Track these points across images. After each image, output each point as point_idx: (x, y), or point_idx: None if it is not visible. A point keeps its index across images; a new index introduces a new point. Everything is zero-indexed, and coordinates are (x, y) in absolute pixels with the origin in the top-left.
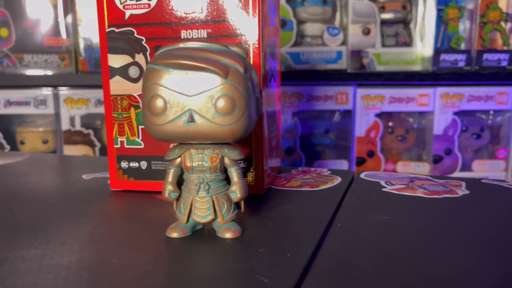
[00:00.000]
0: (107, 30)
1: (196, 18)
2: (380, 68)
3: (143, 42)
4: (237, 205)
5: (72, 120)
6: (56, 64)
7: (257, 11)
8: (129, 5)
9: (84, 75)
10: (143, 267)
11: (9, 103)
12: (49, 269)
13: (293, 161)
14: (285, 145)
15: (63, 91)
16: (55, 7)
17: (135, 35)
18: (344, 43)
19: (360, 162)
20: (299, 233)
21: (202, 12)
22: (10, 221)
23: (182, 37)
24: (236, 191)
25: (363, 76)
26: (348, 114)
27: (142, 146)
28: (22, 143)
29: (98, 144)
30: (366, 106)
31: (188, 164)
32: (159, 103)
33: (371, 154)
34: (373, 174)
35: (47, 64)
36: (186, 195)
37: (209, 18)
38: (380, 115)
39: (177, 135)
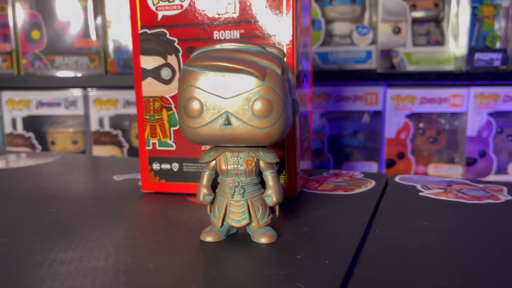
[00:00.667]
0: (139, 32)
1: (229, 19)
2: (411, 67)
3: (176, 44)
4: (272, 209)
5: (101, 121)
6: (86, 66)
7: (290, 11)
8: (161, 6)
9: (113, 76)
10: (179, 271)
11: (40, 104)
12: (86, 272)
13: (320, 163)
14: (313, 146)
15: (93, 92)
16: (85, 9)
17: (168, 36)
18: (373, 42)
19: (390, 164)
20: (336, 238)
21: (235, 13)
22: (46, 222)
23: (215, 38)
24: (272, 195)
25: (393, 76)
26: (377, 115)
27: (174, 148)
28: (53, 143)
29: (126, 145)
30: (396, 106)
31: (223, 167)
32: (195, 105)
33: (401, 156)
34: (408, 178)
35: (77, 65)
36: (220, 198)
37: (242, 18)
38: (410, 116)
39: (213, 138)
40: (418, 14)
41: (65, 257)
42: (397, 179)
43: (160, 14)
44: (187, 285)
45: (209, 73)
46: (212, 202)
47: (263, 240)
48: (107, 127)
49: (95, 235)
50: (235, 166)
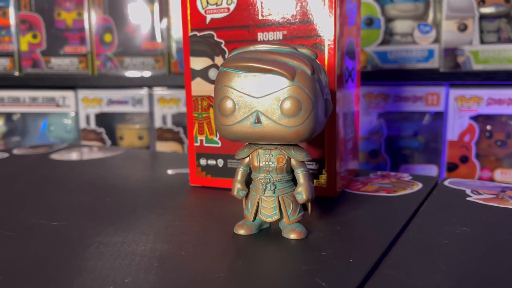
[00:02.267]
0: (190, 34)
1: (272, 20)
2: (477, 66)
3: (222, 45)
4: (304, 206)
5: (164, 118)
6: (152, 66)
7: (333, 11)
8: (210, 9)
9: (175, 76)
10: (208, 260)
11: (111, 102)
12: (125, 255)
13: (377, 164)
14: (369, 147)
15: (157, 91)
16: (152, 13)
17: (215, 38)
18: (436, 40)
19: (452, 168)
20: (366, 239)
21: (278, 14)
22: (101, 209)
23: (259, 39)
24: (302, 193)
25: (457, 75)
26: (439, 116)
27: (219, 145)
28: (121, 138)
29: (186, 142)
30: (460, 108)
31: (256, 164)
32: (228, 104)
33: (465, 159)
34: (460, 182)
35: (144, 66)
36: (253, 193)
37: (285, 19)
38: (476, 117)
39: (244, 135)
40: (487, 10)
41: (110, 241)
42: (446, 182)
43: (209, 17)
44: (212, 274)
45: (241, 74)
46: (247, 197)
47: (293, 236)
48: (169, 124)
49: (140, 223)
50: (267, 163)
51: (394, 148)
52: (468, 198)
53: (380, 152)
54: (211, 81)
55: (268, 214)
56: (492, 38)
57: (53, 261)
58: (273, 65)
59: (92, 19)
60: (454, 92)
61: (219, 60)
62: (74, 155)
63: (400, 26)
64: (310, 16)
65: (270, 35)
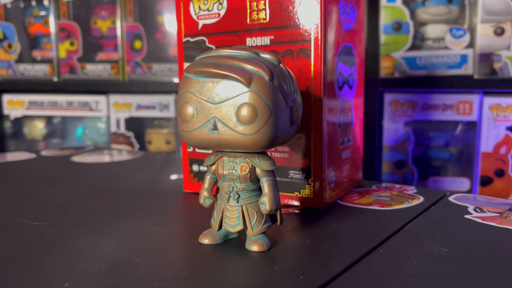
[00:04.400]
0: (183, 40)
1: (259, 26)
2: None
3: None
4: (273, 217)
5: None
6: (177, 73)
7: (319, 16)
8: (202, 15)
9: None
10: (156, 269)
11: (140, 106)
12: (81, 259)
13: (403, 176)
14: (395, 158)
15: None
16: None
17: (207, 44)
18: (470, 45)
19: (486, 181)
20: (331, 255)
21: (265, 19)
22: (85, 212)
23: (248, 45)
24: (266, 203)
25: (492, 82)
26: (471, 126)
27: (211, 152)
28: (149, 143)
29: None
30: (495, 117)
31: (220, 172)
32: (187, 110)
33: (500, 173)
34: (468, 197)
35: (171, 72)
36: (219, 202)
37: (272, 25)
38: None
39: (203, 142)
40: None
41: (76, 243)
42: (452, 198)
43: (201, 23)
44: (152, 282)
45: (201, 79)
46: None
47: (254, 248)
48: None
49: (114, 227)
50: (231, 171)
51: (422, 159)
52: (466, 216)
53: (407, 162)
54: None
55: (232, 224)
56: None
57: (16, 260)
58: (229, 71)
59: (124, 27)
60: (489, 100)
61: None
62: (93, 158)
63: (433, 30)
64: (297, 20)
65: (258, 41)
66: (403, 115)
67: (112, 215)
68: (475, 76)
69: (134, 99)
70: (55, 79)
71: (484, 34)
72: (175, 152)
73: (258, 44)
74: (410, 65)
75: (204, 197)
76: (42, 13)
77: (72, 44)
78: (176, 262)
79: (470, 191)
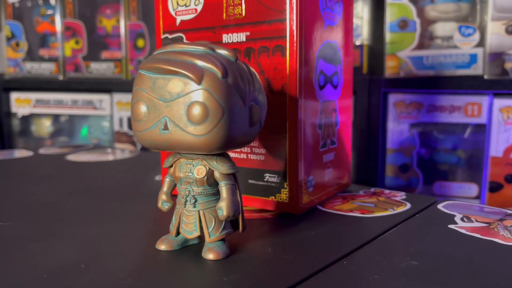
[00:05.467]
0: (162, 37)
1: (236, 21)
2: None
3: None
4: (236, 224)
5: None
6: None
7: (294, 11)
8: (180, 11)
9: None
10: (99, 277)
11: None
12: (29, 263)
13: (408, 180)
14: (399, 161)
15: None
16: None
17: (185, 41)
18: (480, 44)
19: (495, 188)
20: (289, 266)
21: (241, 15)
22: (56, 212)
23: (224, 42)
24: (223, 208)
25: (503, 83)
26: (480, 129)
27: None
28: None
29: None
30: (506, 120)
31: (177, 174)
32: (140, 108)
33: (511, 179)
34: (458, 205)
35: None
36: (177, 207)
37: (248, 20)
38: None
39: (155, 143)
40: None
41: (33, 247)
42: (441, 206)
43: (179, 19)
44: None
45: (152, 76)
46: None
47: (210, 256)
48: None
49: (78, 229)
50: (187, 174)
51: (428, 163)
52: (450, 226)
53: (412, 166)
54: None
55: (189, 230)
56: None
57: None
58: (179, 67)
59: (126, 25)
60: (499, 102)
61: None
62: (88, 157)
63: (442, 28)
64: (272, 16)
65: (234, 37)
66: (408, 116)
67: (80, 216)
68: (485, 77)
69: None
70: (61, 77)
71: (495, 32)
72: None
73: (234, 41)
74: (417, 65)
75: (163, 201)
76: (49, 11)
77: (77, 42)
78: (124, 269)
79: (478, 197)
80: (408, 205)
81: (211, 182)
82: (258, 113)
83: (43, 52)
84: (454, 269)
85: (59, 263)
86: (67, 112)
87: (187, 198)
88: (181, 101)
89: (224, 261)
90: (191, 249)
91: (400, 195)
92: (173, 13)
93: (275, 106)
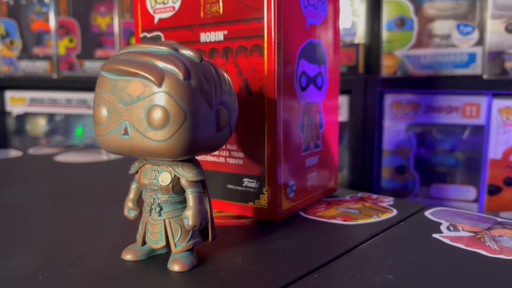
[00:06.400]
0: (140, 36)
1: (213, 19)
2: None
3: None
4: (204, 233)
5: None
6: None
7: (272, 10)
8: (158, 9)
9: None
10: (65, 284)
11: None
12: None
13: (404, 182)
14: (396, 163)
15: None
16: None
17: (162, 39)
18: (479, 43)
19: (494, 191)
20: (256, 279)
21: (219, 13)
22: (28, 217)
23: (201, 41)
24: (189, 217)
25: (502, 83)
26: (479, 131)
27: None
28: None
29: None
30: (505, 121)
31: (142, 181)
32: (101, 112)
33: (510, 182)
34: (447, 212)
35: None
36: (143, 215)
37: (225, 19)
38: None
39: (116, 148)
40: None
41: None
42: (428, 212)
43: (157, 17)
44: None
45: (113, 78)
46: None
47: (175, 268)
48: None
49: (44, 235)
50: (152, 181)
51: (426, 165)
52: (435, 235)
53: (409, 168)
54: None
55: (154, 239)
56: None
57: None
58: (139, 68)
59: (120, 23)
60: (498, 103)
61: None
62: (77, 157)
63: (440, 27)
64: (250, 14)
65: (212, 36)
66: (405, 117)
67: (48, 222)
68: (484, 76)
69: None
70: (55, 76)
71: (494, 31)
72: None
73: (212, 40)
74: (414, 64)
75: (129, 208)
76: (43, 9)
77: (71, 41)
78: (82, 281)
79: (476, 200)
80: (394, 212)
81: (177, 189)
82: (226, 116)
83: (37, 51)
84: (432, 285)
85: (14, 274)
86: (61, 111)
87: (152, 206)
88: (141, 105)
89: (190, 273)
90: (158, 260)
91: (388, 201)
92: (151, 11)
93: (254, 108)
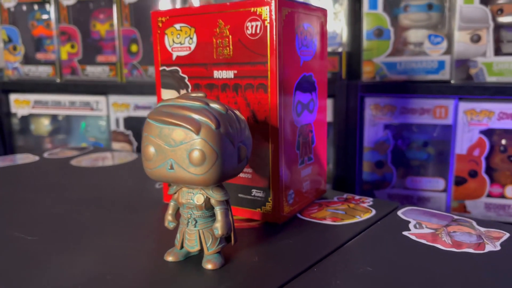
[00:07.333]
0: (160, 69)
1: (225, 60)
2: (491, 79)
3: (186, 80)
4: (229, 237)
5: None
6: None
7: (274, 55)
8: (176, 48)
9: None
10: (126, 283)
11: (137, 107)
12: (59, 276)
13: (383, 175)
14: (375, 158)
15: None
16: None
17: (180, 73)
18: (448, 51)
19: (460, 182)
20: (271, 273)
21: (230, 55)
22: (74, 225)
23: (215, 77)
24: (218, 228)
25: (466, 89)
26: (447, 129)
27: None
28: None
29: None
30: (470, 121)
31: (180, 200)
32: (150, 151)
33: (474, 174)
34: (415, 211)
35: None
36: (181, 226)
37: (235, 60)
38: (487, 132)
39: (163, 178)
40: (506, 19)
41: (58, 259)
42: (400, 212)
43: (175, 54)
44: None
45: (159, 126)
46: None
47: (209, 267)
48: None
49: (94, 241)
50: (189, 200)
51: (402, 159)
52: (404, 232)
53: (386, 162)
54: None
55: (191, 245)
56: None
57: (3, 277)
58: (181, 120)
59: (119, 31)
60: (464, 105)
61: (183, 93)
62: (89, 162)
63: (414, 35)
64: (255, 59)
65: (224, 74)
66: (383, 118)
67: (93, 228)
68: (452, 81)
69: (132, 99)
70: (58, 80)
71: (461, 41)
72: None
73: (224, 77)
74: (391, 70)
75: (169, 221)
76: (44, 16)
77: (72, 46)
78: (142, 280)
79: (445, 190)
80: (373, 212)
81: (208, 207)
82: (244, 151)
83: (39, 56)
84: (400, 275)
85: (88, 275)
86: (65, 112)
87: (189, 220)
88: (183, 148)
89: (220, 270)
90: (193, 260)
91: (368, 201)
92: (169, 49)
93: (260, 134)
